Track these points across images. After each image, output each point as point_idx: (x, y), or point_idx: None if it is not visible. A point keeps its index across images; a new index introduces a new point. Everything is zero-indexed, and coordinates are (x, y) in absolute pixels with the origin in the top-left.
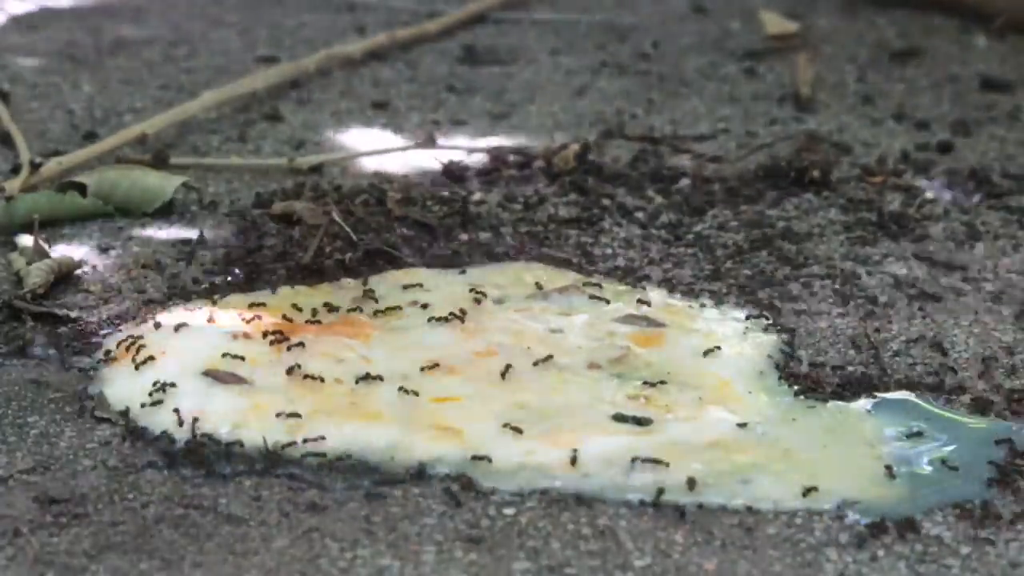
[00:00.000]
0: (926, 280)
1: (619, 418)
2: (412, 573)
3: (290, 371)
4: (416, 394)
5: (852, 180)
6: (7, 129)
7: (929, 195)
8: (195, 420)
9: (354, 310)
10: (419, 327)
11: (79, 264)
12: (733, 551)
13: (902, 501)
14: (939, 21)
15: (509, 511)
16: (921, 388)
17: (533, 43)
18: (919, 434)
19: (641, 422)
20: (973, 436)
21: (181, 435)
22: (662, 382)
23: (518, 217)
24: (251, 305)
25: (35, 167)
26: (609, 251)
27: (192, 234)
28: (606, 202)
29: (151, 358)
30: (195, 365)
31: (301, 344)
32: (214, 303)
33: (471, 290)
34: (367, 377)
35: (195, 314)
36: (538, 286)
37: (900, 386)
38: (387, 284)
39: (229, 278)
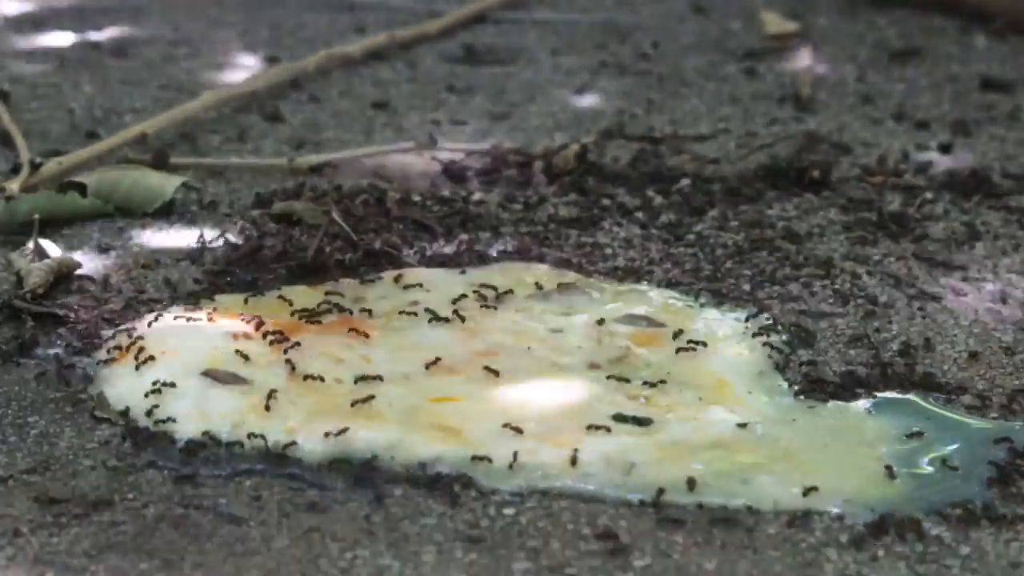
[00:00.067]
0: (926, 280)
1: (619, 418)
2: (412, 573)
3: (290, 371)
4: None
5: (852, 180)
6: (7, 129)
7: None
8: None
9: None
10: (419, 327)
11: (79, 264)
12: (733, 551)
13: (902, 501)
14: (939, 21)
15: (509, 511)
16: (921, 388)
17: (533, 43)
18: (919, 434)
19: (641, 422)
20: (973, 436)
21: (181, 435)
22: (662, 382)
23: (518, 217)
24: (247, 300)
25: (35, 167)
26: (609, 251)
27: (192, 234)
28: (606, 202)
29: (151, 358)
30: (195, 365)
31: (299, 344)
32: (214, 303)
33: (474, 290)
34: (364, 377)
35: (195, 314)
36: (538, 286)
37: (900, 386)
38: (387, 284)
39: (229, 278)
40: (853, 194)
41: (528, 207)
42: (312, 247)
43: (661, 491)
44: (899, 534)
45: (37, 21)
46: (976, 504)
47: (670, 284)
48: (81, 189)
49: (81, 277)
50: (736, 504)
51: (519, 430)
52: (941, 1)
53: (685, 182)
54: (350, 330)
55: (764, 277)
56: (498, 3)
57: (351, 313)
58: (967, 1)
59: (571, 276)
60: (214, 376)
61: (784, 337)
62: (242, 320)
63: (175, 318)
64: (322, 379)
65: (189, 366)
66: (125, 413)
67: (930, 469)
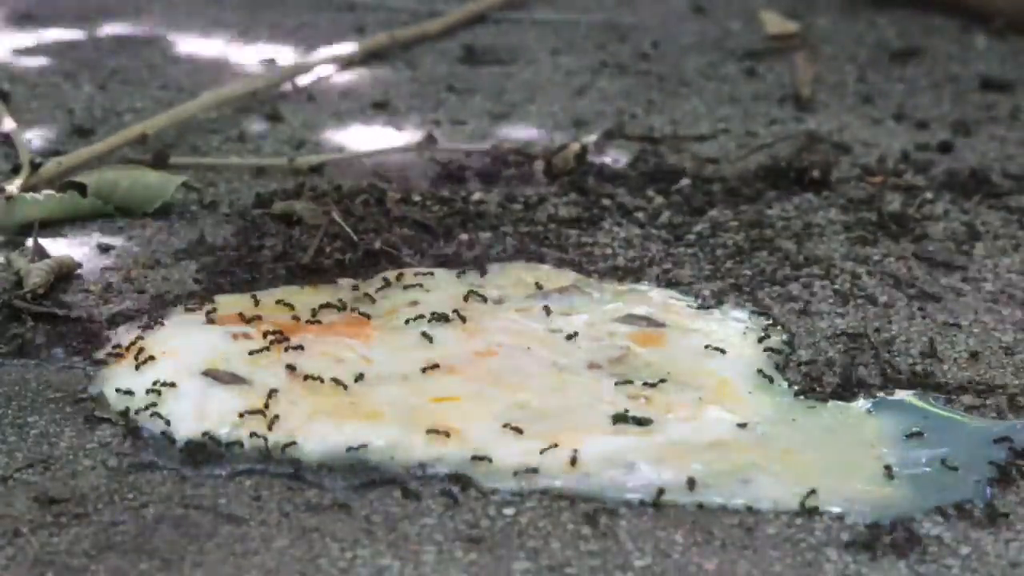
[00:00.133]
0: (926, 280)
1: (619, 418)
2: (412, 573)
3: (290, 371)
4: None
5: (852, 180)
6: (7, 129)
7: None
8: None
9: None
10: (420, 327)
11: (79, 264)
12: (733, 551)
13: (902, 501)
14: (939, 21)
15: (509, 511)
16: (921, 388)
17: (533, 43)
18: (919, 434)
19: (641, 422)
20: (973, 436)
21: (181, 435)
22: (662, 382)
23: (518, 217)
24: (255, 297)
25: (35, 167)
26: (609, 251)
27: (192, 234)
28: (606, 202)
29: (151, 358)
30: (195, 365)
31: (300, 347)
32: (214, 303)
33: (470, 291)
34: (361, 377)
35: (195, 314)
36: (538, 286)
37: (900, 386)
38: (387, 284)
39: (229, 278)
40: (853, 194)
41: (528, 207)
42: (312, 247)
43: (661, 491)
44: (899, 534)
45: (37, 20)
46: (976, 504)
47: (670, 284)
48: (81, 189)
49: (81, 277)
50: (736, 504)
51: (519, 430)
52: (941, 1)
53: (685, 182)
54: (350, 330)
55: (764, 277)
56: (498, 3)
57: (352, 312)
58: (967, 1)
59: (571, 276)
60: (214, 376)
61: (784, 337)
62: (242, 320)
63: (175, 318)
64: (322, 379)
65: (189, 366)
66: (125, 413)
67: (930, 469)
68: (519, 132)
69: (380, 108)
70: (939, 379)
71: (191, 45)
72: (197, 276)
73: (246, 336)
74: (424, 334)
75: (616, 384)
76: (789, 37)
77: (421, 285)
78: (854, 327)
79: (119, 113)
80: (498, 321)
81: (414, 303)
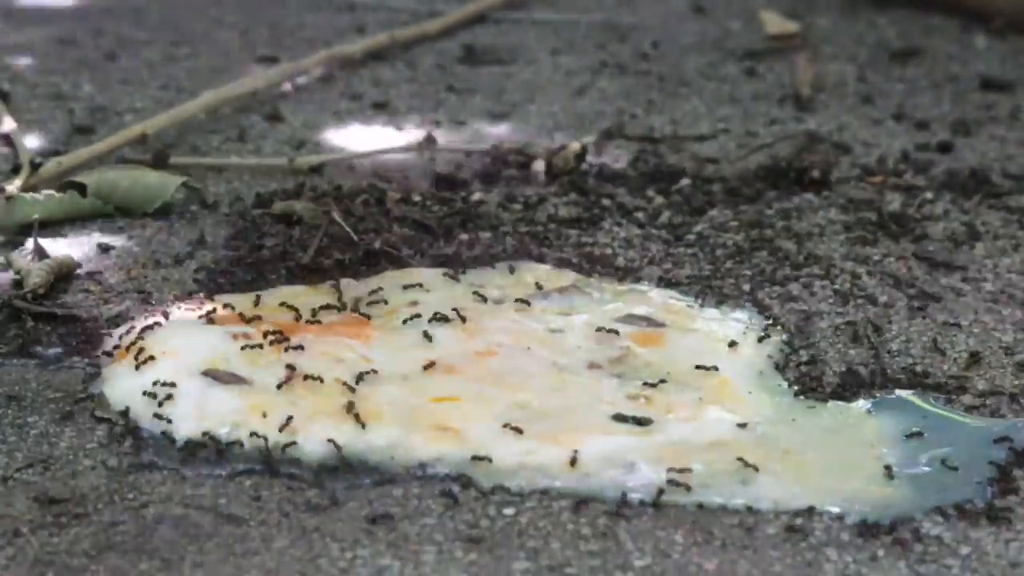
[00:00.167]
0: (926, 280)
1: (619, 418)
2: (412, 573)
3: (290, 371)
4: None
5: (852, 180)
6: (7, 129)
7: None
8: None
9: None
10: (419, 327)
11: (79, 264)
12: (733, 551)
13: (902, 501)
14: (939, 21)
15: (509, 511)
16: (921, 388)
17: (533, 43)
18: (919, 434)
19: (641, 422)
20: (973, 436)
21: (181, 435)
22: (662, 382)
23: (518, 217)
24: (257, 298)
25: (35, 167)
26: (609, 251)
27: (192, 234)
28: (606, 202)
29: (151, 358)
30: (195, 365)
31: (300, 347)
32: (214, 303)
33: (474, 292)
34: (361, 377)
35: (195, 314)
36: (538, 286)
37: (900, 386)
38: (387, 284)
39: (229, 278)
40: (853, 194)
41: (528, 207)
42: (312, 247)
43: (661, 491)
44: (899, 534)
45: (37, 20)
46: (976, 504)
47: (670, 284)
48: (81, 189)
49: (81, 277)
50: (736, 504)
51: (519, 430)
52: (941, 1)
53: (685, 182)
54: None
55: (764, 277)
56: (498, 3)
57: (352, 312)
58: (967, 1)
59: (571, 276)
60: (214, 376)
61: (784, 337)
62: (242, 320)
63: (175, 318)
64: (322, 380)
65: (189, 366)
66: (125, 413)
67: (930, 469)
68: (519, 132)
69: (380, 108)
70: (939, 379)
71: (191, 45)
72: (197, 276)
73: (246, 336)
74: (425, 333)
75: (616, 384)
76: (789, 37)
77: (421, 285)
78: (854, 327)
79: (119, 113)
80: (498, 321)
81: (414, 303)
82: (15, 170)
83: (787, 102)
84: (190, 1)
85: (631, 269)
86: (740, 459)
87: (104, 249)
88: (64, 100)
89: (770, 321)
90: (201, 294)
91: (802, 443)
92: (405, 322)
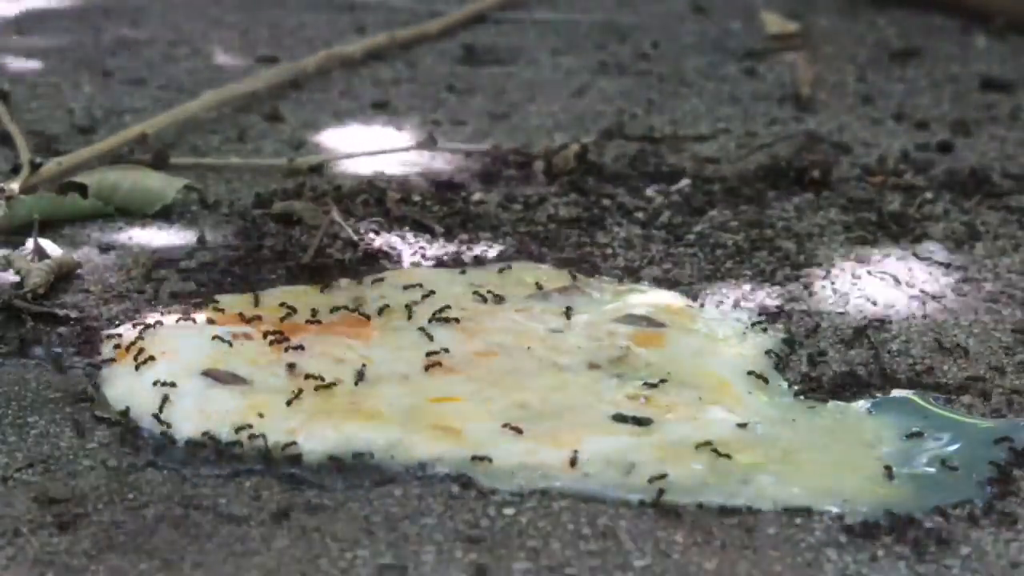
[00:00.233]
0: (926, 280)
1: (619, 418)
2: (412, 573)
3: (290, 371)
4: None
5: (852, 180)
6: (7, 129)
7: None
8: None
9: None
10: (419, 327)
11: (79, 264)
12: (733, 551)
13: (902, 501)
14: (939, 21)
15: (509, 511)
16: (921, 388)
17: (533, 43)
18: (919, 434)
19: (641, 422)
20: (973, 436)
21: (181, 435)
22: (662, 382)
23: (518, 217)
24: (257, 297)
25: (35, 167)
26: (609, 251)
27: (192, 234)
28: (606, 202)
29: (151, 358)
30: (195, 365)
31: (301, 347)
32: (214, 303)
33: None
34: (362, 378)
35: (195, 314)
36: (538, 286)
37: (900, 386)
38: (387, 284)
39: (229, 278)
40: (853, 194)
41: (528, 207)
42: (312, 247)
43: (661, 491)
44: (899, 534)
45: (37, 21)
46: (976, 504)
47: (670, 284)
48: (82, 190)
49: (81, 277)
50: (736, 504)
51: (519, 430)
52: (941, 1)
53: (685, 182)
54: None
55: (764, 277)
56: (498, 3)
57: (353, 312)
58: (967, 1)
59: (571, 276)
60: (214, 376)
61: (784, 337)
62: (242, 320)
63: (175, 318)
64: (322, 379)
65: (189, 366)
66: (125, 413)
67: (930, 469)
68: (519, 132)
69: (380, 108)
70: (939, 379)
71: (191, 45)
72: (197, 276)
73: (246, 336)
74: (425, 333)
75: (616, 384)
76: (789, 37)
77: (421, 285)
78: (854, 327)
79: (119, 113)
80: (498, 321)
81: (414, 303)
82: (15, 170)
83: (787, 102)
84: (190, 1)
85: (631, 269)
86: (707, 444)
87: (104, 249)
88: (64, 100)
89: (770, 321)
90: (201, 294)
91: (802, 443)
92: (411, 318)
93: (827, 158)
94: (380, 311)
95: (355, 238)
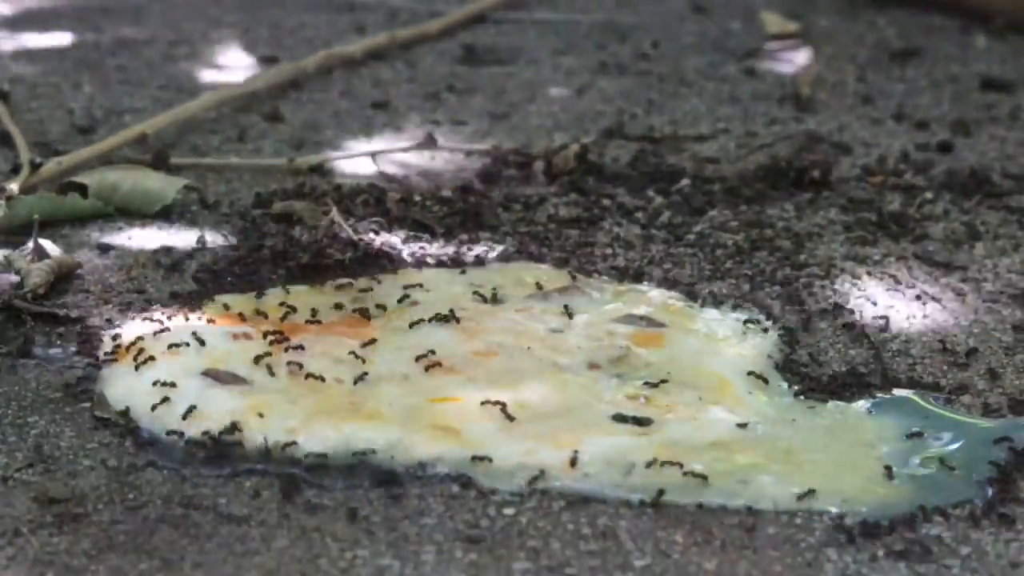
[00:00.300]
0: (926, 280)
1: (619, 418)
2: (412, 573)
3: (290, 370)
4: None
5: (852, 180)
6: (7, 129)
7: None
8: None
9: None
10: (420, 327)
11: (79, 264)
12: (733, 551)
13: (902, 501)
14: (939, 21)
15: (509, 511)
16: (921, 388)
17: (533, 43)
18: (919, 434)
19: (641, 422)
20: (973, 436)
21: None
22: (662, 382)
23: (518, 217)
24: (258, 297)
25: (35, 167)
26: (609, 251)
27: (192, 234)
28: (606, 202)
29: (151, 358)
30: (195, 365)
31: (301, 347)
32: (214, 303)
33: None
34: (363, 377)
35: (195, 314)
36: (538, 286)
37: (900, 386)
38: (387, 284)
39: (229, 278)
40: (853, 194)
41: (528, 207)
42: (312, 247)
43: (661, 491)
44: (899, 534)
45: (37, 21)
46: (976, 504)
47: (670, 284)
48: (82, 190)
49: (81, 277)
50: (736, 504)
51: (502, 404)
52: (941, 1)
53: (685, 182)
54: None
55: (764, 277)
56: (498, 3)
57: (353, 312)
58: (967, 1)
59: (571, 276)
60: (214, 376)
61: (784, 337)
62: (242, 320)
63: (175, 318)
64: (322, 379)
65: (189, 366)
66: (125, 413)
67: (930, 469)
68: (519, 132)
69: (380, 108)
70: (939, 379)
71: (191, 45)
72: (197, 276)
73: (246, 336)
74: (425, 333)
75: (616, 384)
76: (789, 37)
77: (421, 285)
78: (854, 327)
79: (119, 113)
80: (498, 321)
81: (414, 303)
82: (15, 170)
83: (787, 102)
84: (190, 1)
85: (631, 269)
86: (680, 465)
87: (104, 249)
88: (64, 100)
89: (770, 321)
90: (201, 294)
91: (802, 443)
92: (412, 326)
93: (827, 158)
94: (380, 311)
95: (355, 238)
